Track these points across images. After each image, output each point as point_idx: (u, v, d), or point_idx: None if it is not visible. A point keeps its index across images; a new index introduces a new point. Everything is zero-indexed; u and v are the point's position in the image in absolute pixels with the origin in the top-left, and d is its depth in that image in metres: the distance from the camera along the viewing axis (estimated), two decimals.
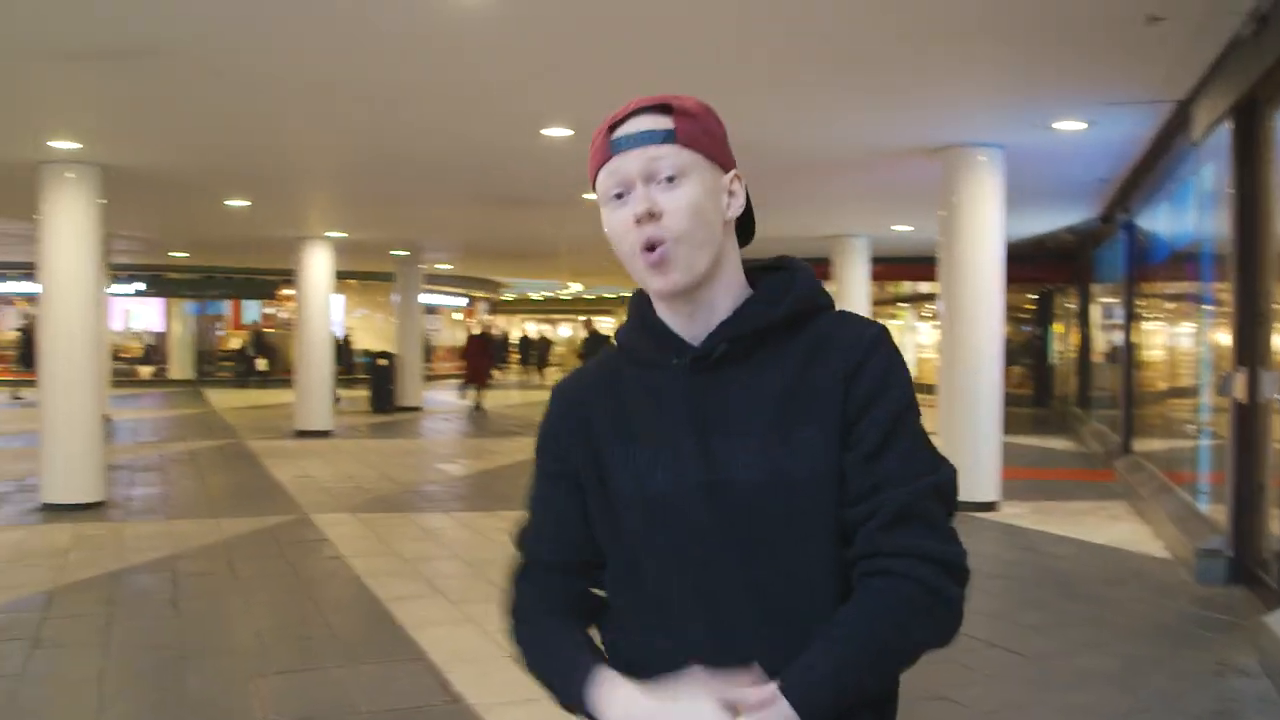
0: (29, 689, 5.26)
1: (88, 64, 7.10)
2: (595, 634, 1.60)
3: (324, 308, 18.63)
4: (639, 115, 1.48)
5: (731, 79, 7.47)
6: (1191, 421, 10.05)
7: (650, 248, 1.45)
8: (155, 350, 32.70)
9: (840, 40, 6.69)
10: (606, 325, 36.26)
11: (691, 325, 1.51)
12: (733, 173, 1.53)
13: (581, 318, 35.01)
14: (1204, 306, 9.48)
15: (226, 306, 33.96)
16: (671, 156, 1.46)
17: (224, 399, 25.11)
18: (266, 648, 5.94)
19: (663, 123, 1.47)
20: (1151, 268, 12.55)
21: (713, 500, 1.45)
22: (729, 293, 1.52)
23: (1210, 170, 8.59)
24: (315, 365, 18.06)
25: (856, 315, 1.55)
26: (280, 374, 28.05)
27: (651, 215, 1.44)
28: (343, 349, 28.02)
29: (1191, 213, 9.69)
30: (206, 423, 19.40)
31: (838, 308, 1.56)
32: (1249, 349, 7.22)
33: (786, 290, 1.53)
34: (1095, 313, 18.65)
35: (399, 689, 5.25)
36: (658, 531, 1.49)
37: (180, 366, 31.79)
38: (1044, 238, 17.51)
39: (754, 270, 1.58)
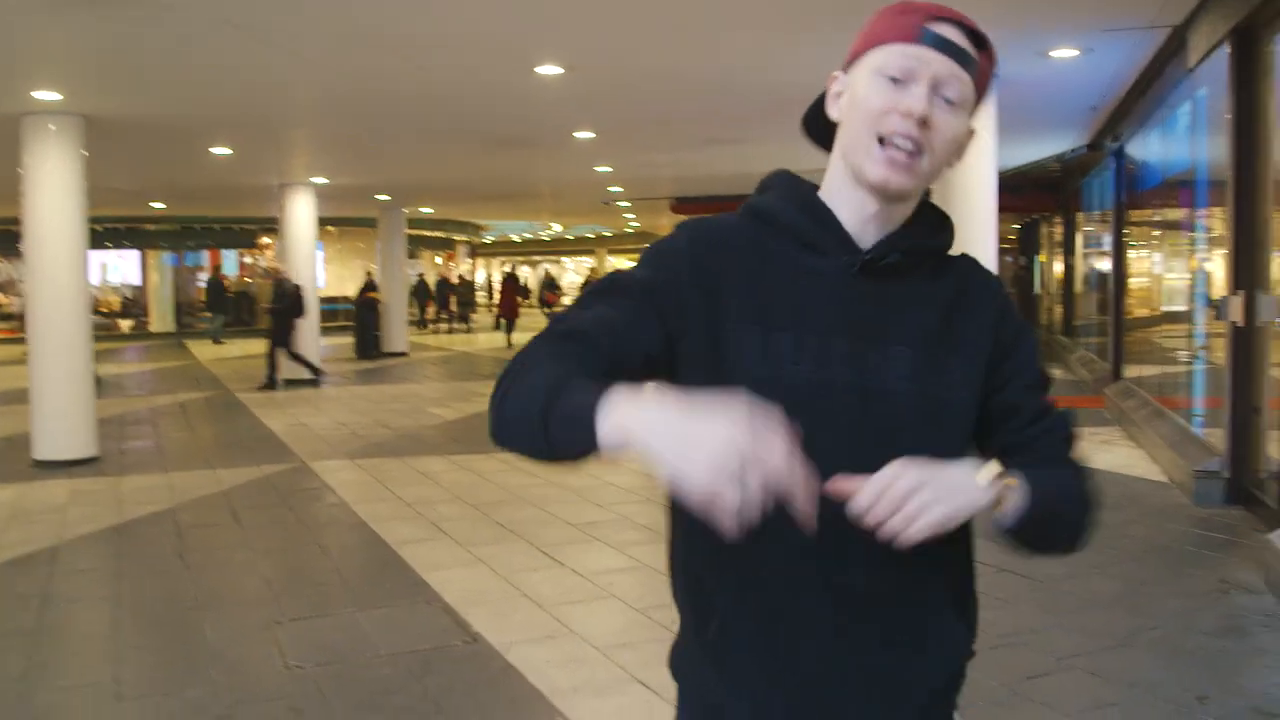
0: (47, 642, 5.26)
1: (69, 13, 6.97)
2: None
3: (308, 255, 18.49)
4: (955, 26, 1.47)
5: (721, 17, 7.37)
6: (1183, 347, 10.12)
7: (907, 145, 1.43)
8: (134, 303, 32.45)
9: None
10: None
11: (862, 222, 1.51)
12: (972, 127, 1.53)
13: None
14: (1195, 233, 9.51)
15: (205, 257, 33.69)
16: (965, 84, 1.46)
17: (206, 351, 24.98)
18: (279, 595, 5.95)
19: (971, 49, 1.47)
20: (1142, 195, 12.54)
21: (863, 403, 1.46)
22: (907, 211, 1.54)
23: (1204, 96, 8.57)
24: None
25: (976, 260, 1.63)
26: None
27: (925, 122, 1.43)
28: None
29: (1183, 139, 9.68)
30: (192, 374, 19.30)
31: None
32: (1246, 273, 7.26)
33: (944, 220, 1.59)
34: (1081, 241, 18.68)
35: (418, 631, 5.28)
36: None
37: (160, 319, 31.60)
38: (1028, 167, 17.44)
39: None
